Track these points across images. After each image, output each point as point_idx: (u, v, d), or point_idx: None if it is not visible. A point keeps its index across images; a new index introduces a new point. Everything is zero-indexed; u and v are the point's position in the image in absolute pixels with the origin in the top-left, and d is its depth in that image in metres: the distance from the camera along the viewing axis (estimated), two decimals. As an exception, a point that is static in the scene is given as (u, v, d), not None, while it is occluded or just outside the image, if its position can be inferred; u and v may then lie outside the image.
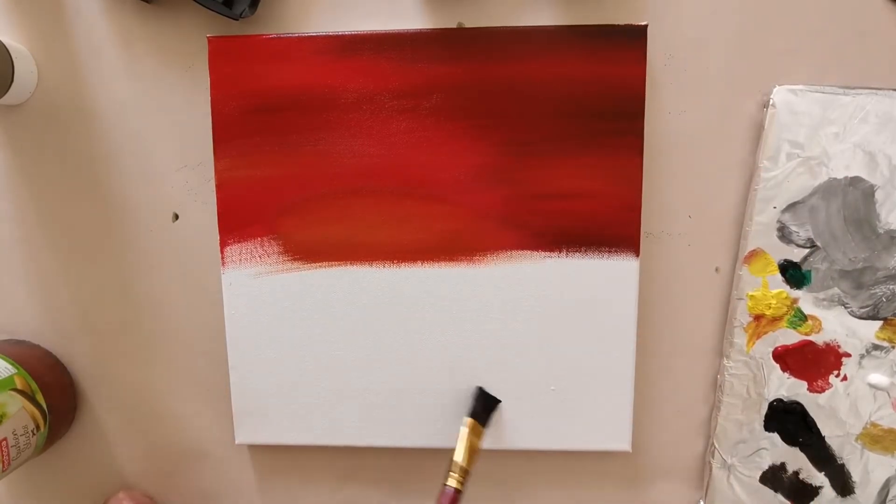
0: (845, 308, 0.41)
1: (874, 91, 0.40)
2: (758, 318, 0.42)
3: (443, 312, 0.43)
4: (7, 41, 0.42)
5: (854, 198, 0.40)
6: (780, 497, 0.44)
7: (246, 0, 0.40)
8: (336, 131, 0.42)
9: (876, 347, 0.42)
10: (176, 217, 0.45)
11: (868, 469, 0.43)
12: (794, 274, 0.41)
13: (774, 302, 0.42)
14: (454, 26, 0.42)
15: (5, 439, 0.40)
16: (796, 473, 0.43)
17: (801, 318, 0.42)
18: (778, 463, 0.44)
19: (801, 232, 0.41)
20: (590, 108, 0.40)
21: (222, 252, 0.43)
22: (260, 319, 0.44)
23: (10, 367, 0.43)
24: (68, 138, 0.45)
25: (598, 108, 0.40)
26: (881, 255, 0.41)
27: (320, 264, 0.43)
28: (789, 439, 0.43)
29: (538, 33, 0.40)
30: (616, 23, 0.40)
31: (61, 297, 0.47)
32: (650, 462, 0.46)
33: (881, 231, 0.41)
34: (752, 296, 0.42)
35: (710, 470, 0.45)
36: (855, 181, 0.40)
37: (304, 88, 0.41)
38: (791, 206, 0.41)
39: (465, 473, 0.40)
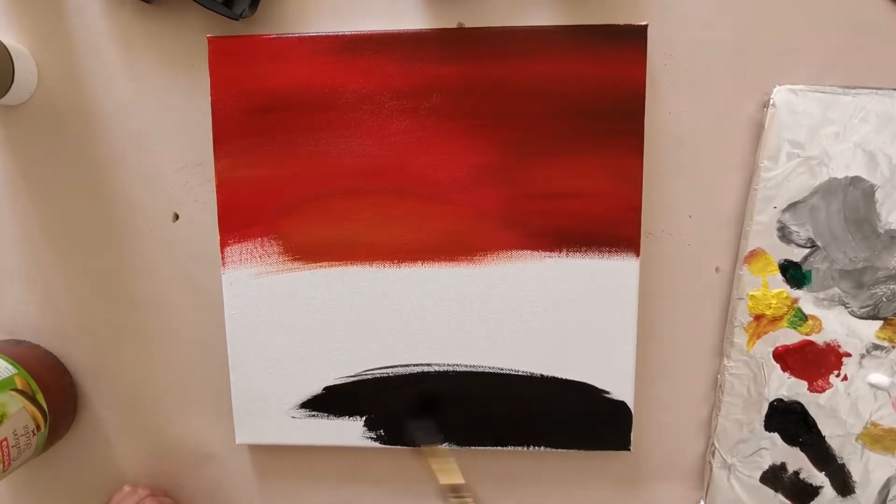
0: (846, 308, 0.41)
1: (874, 91, 0.40)
2: (758, 317, 0.42)
3: (443, 312, 0.43)
4: (7, 41, 0.42)
5: (854, 197, 0.40)
6: (780, 497, 0.44)
7: (246, 0, 0.40)
8: (336, 131, 0.42)
9: (876, 347, 0.41)
10: (176, 217, 0.45)
11: (868, 469, 0.43)
12: (794, 274, 0.41)
13: (775, 302, 0.42)
14: (454, 26, 0.42)
15: (6, 439, 0.40)
16: (797, 473, 0.43)
17: (801, 317, 0.42)
18: (778, 463, 0.44)
19: (802, 232, 0.41)
20: (590, 108, 0.40)
21: (222, 252, 0.43)
22: (260, 319, 0.44)
23: (10, 367, 0.43)
24: (68, 138, 0.45)
25: (598, 108, 0.40)
26: (881, 255, 0.41)
27: (320, 264, 0.43)
28: (790, 439, 0.43)
29: (538, 33, 0.40)
30: (616, 23, 0.40)
31: (61, 297, 0.47)
32: (650, 462, 0.46)
33: (881, 231, 0.40)
34: (752, 296, 0.42)
35: (711, 470, 0.45)
36: (855, 181, 0.40)
37: (304, 88, 0.41)
38: (791, 206, 0.41)
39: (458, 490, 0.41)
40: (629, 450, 0.44)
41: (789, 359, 0.42)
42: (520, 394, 0.43)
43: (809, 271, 0.41)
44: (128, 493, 0.45)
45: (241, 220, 0.43)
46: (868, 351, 0.42)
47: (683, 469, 0.46)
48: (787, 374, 0.42)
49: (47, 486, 0.49)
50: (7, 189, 0.46)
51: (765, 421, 0.43)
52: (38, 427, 0.43)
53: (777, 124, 0.40)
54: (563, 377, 0.43)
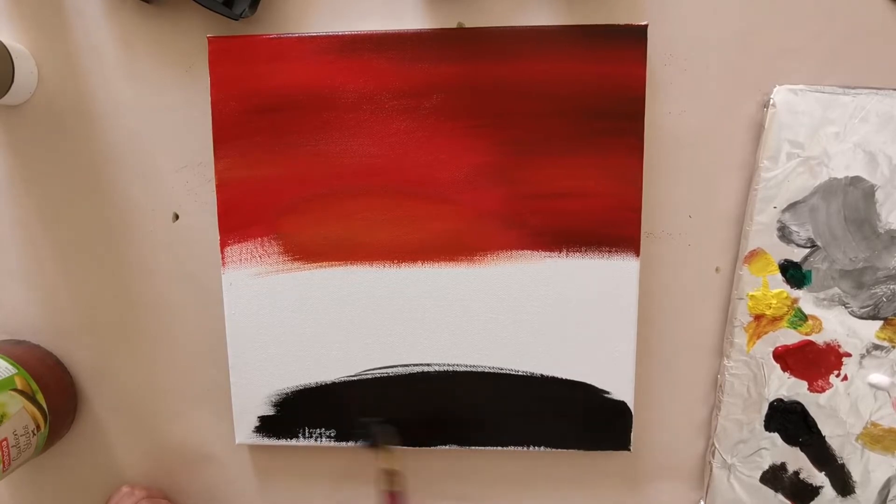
0: (846, 308, 0.41)
1: (874, 91, 0.40)
2: (758, 317, 0.42)
3: (443, 312, 0.43)
4: (7, 41, 0.42)
5: (854, 197, 0.40)
6: (780, 497, 0.44)
7: (246, 0, 0.40)
8: (336, 131, 0.42)
9: (876, 347, 0.41)
10: (176, 217, 0.45)
11: (868, 469, 0.43)
12: (794, 274, 0.41)
13: (775, 302, 0.42)
14: (454, 26, 0.42)
15: (6, 439, 0.40)
16: (797, 473, 0.43)
17: (801, 317, 0.42)
18: (778, 463, 0.44)
19: (802, 232, 0.41)
20: (590, 108, 0.40)
21: (222, 252, 0.43)
22: (260, 319, 0.44)
23: (10, 367, 0.43)
24: (68, 138, 0.45)
25: (598, 108, 0.40)
26: (881, 255, 0.41)
27: (320, 264, 0.43)
28: (790, 439, 0.43)
29: (538, 33, 0.40)
30: (616, 23, 0.40)
31: (61, 297, 0.47)
32: (650, 462, 0.46)
33: (881, 231, 0.40)
34: (752, 296, 0.42)
35: (711, 470, 0.45)
36: (855, 181, 0.40)
37: (304, 88, 0.41)
38: (791, 206, 0.41)
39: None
40: (629, 450, 0.44)
41: (789, 359, 0.42)
42: (520, 394, 0.43)
43: (809, 271, 0.41)
44: (126, 495, 0.45)
45: (241, 220, 0.43)
46: (868, 351, 0.42)
47: (683, 469, 0.46)
48: (787, 374, 0.42)
49: (47, 486, 0.49)
50: (7, 189, 0.46)
51: (765, 421, 0.43)
52: (38, 427, 0.43)
53: (777, 124, 0.40)
54: (563, 377, 0.43)
